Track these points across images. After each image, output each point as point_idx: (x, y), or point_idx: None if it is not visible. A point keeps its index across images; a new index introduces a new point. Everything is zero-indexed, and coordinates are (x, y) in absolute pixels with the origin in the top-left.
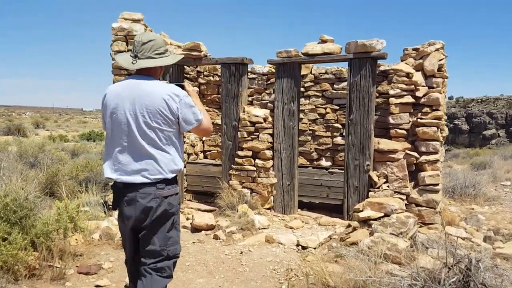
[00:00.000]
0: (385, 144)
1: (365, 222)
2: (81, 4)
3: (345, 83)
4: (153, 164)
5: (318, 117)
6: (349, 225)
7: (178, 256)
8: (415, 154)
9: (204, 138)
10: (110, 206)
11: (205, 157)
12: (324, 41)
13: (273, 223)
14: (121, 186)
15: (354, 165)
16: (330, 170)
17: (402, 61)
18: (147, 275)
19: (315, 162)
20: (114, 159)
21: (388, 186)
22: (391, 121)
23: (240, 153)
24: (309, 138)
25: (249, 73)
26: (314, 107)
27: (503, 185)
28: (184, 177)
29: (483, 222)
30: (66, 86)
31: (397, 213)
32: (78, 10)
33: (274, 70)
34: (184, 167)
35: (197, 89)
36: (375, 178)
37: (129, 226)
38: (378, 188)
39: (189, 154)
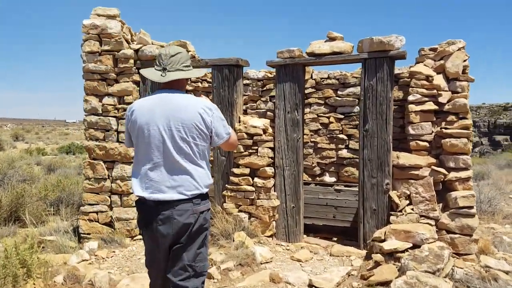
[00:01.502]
0: (406, 158)
1: (391, 255)
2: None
3: (350, 89)
4: (189, 180)
5: (320, 127)
6: (367, 257)
7: (206, 274)
8: (443, 170)
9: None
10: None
11: None
12: (332, 39)
13: (277, 255)
14: (152, 204)
15: (371, 184)
16: (336, 187)
17: (417, 62)
18: None
19: (317, 178)
20: (145, 176)
21: (412, 209)
22: (411, 131)
23: (235, 170)
24: (311, 151)
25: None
26: (316, 116)
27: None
28: None
29: (511, 245)
30: (47, 98)
31: (428, 243)
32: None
33: (270, 75)
34: None
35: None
36: (397, 200)
37: (165, 244)
38: (401, 211)
39: None
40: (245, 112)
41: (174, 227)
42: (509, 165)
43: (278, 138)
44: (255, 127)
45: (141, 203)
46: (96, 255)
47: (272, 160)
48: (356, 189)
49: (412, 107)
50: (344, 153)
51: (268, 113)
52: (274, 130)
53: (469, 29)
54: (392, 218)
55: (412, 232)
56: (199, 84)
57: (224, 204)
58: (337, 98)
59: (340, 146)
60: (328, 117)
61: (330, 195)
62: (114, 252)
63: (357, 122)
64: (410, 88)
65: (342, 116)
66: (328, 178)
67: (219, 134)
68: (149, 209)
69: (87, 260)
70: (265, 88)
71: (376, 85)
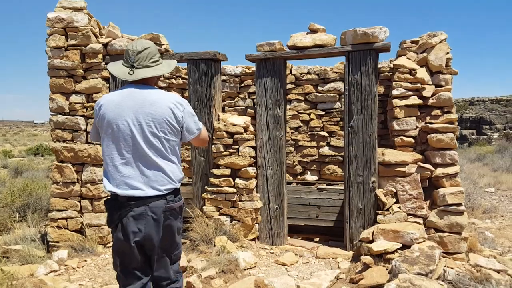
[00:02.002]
0: (391, 155)
1: (380, 257)
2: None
3: (331, 85)
4: (161, 175)
5: (301, 124)
6: (355, 258)
7: (180, 258)
8: (429, 166)
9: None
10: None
11: None
12: (314, 31)
13: (261, 259)
14: (124, 201)
15: (357, 182)
16: (318, 186)
17: (399, 56)
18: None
19: (299, 176)
20: (116, 172)
21: (399, 208)
22: (396, 127)
23: (215, 171)
24: (292, 149)
25: None
26: (296, 113)
27: (488, 192)
28: None
29: (495, 241)
30: (14, 99)
31: (418, 242)
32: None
33: (248, 71)
34: None
35: None
36: (383, 198)
37: (138, 242)
38: (388, 210)
39: None
40: (222, 110)
41: (147, 224)
42: (479, 158)
43: (260, 137)
44: (235, 125)
45: (112, 200)
46: (66, 265)
47: (254, 160)
48: (340, 187)
49: (396, 101)
50: (326, 150)
51: (249, 110)
52: (256, 128)
53: (429, 25)
54: (379, 217)
55: (401, 232)
56: (173, 80)
57: (203, 207)
58: (317, 94)
59: (321, 143)
60: (309, 114)
61: (313, 194)
62: (85, 261)
63: (339, 118)
64: (394, 82)
65: (323, 113)
66: (309, 177)
67: (190, 129)
68: (120, 206)
69: (56, 271)
70: (243, 84)
71: (361, 79)
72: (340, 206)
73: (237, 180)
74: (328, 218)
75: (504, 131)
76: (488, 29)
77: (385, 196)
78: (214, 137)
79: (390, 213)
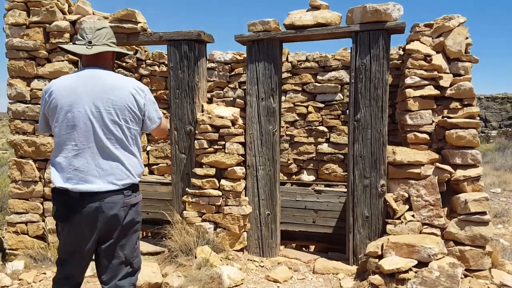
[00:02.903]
0: (404, 154)
1: (392, 276)
2: None
3: (332, 74)
4: (119, 168)
5: (297, 118)
6: (359, 275)
7: (139, 271)
8: (449, 168)
9: (148, 148)
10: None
11: (151, 172)
12: (315, 7)
13: (249, 274)
14: (77, 196)
15: (363, 185)
16: (316, 188)
17: (411, 41)
18: None
19: (294, 176)
20: (68, 165)
21: (413, 216)
22: (409, 121)
23: (198, 171)
24: (287, 145)
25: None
26: (292, 105)
27: (494, 192)
28: None
29: None
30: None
31: (437, 259)
32: None
33: (239, 58)
34: None
35: None
36: (394, 205)
37: (90, 241)
38: (399, 218)
39: None
40: (210, 101)
41: (102, 221)
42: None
43: (250, 131)
44: (221, 117)
45: (61, 194)
46: (20, 279)
47: (243, 158)
48: (340, 189)
49: (410, 91)
50: (325, 147)
51: (238, 100)
52: (245, 121)
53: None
54: (389, 227)
55: (416, 246)
56: (156, 68)
57: (184, 212)
58: (316, 84)
59: (319, 139)
60: (306, 107)
61: (310, 197)
62: (44, 274)
63: (340, 111)
64: (407, 70)
65: (323, 105)
66: (306, 177)
67: (152, 118)
68: (72, 201)
69: (7, 286)
70: (233, 73)
71: (370, 64)
72: (340, 210)
73: (223, 182)
74: (326, 223)
75: (501, 129)
76: (483, 26)
77: (395, 202)
78: (197, 131)
79: (402, 222)
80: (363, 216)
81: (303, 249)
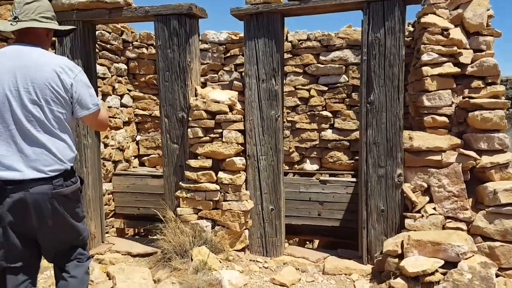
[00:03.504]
0: (421, 139)
1: (416, 279)
2: None
3: (336, 54)
4: (45, 153)
5: (299, 102)
6: (375, 276)
7: (87, 239)
8: (473, 154)
9: (139, 138)
10: None
11: (142, 164)
12: None
13: (252, 277)
14: (0, 185)
15: (378, 176)
16: (321, 178)
17: (424, 14)
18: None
19: (296, 165)
20: None
21: (434, 209)
22: (426, 102)
23: (193, 162)
24: (288, 132)
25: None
26: (293, 88)
27: None
28: (110, 195)
29: None
30: None
31: (466, 258)
32: None
33: (235, 37)
34: (110, 181)
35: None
36: (413, 196)
37: (19, 233)
38: (419, 211)
39: (115, 162)
40: (204, 85)
41: (29, 214)
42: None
43: (250, 117)
44: (217, 102)
45: None
46: None
47: (243, 148)
48: (347, 179)
49: (427, 70)
50: (329, 134)
51: (235, 83)
52: (245, 106)
53: None
54: (407, 221)
55: (443, 244)
56: (144, 50)
57: (178, 209)
58: (319, 65)
59: (323, 125)
60: (308, 90)
61: (314, 187)
62: None
63: (345, 95)
64: (422, 46)
65: (326, 88)
66: (308, 166)
67: (83, 103)
68: None
69: None
70: (229, 54)
71: (385, 39)
72: (348, 202)
73: (221, 174)
74: (332, 216)
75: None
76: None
77: (413, 193)
78: (190, 118)
79: (423, 216)
80: (378, 210)
81: (307, 243)
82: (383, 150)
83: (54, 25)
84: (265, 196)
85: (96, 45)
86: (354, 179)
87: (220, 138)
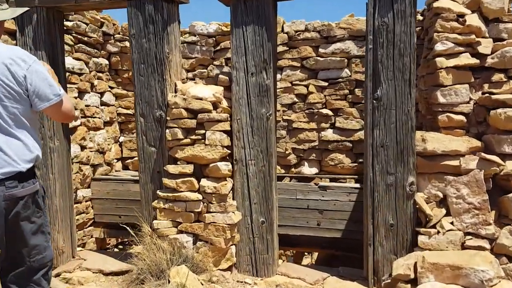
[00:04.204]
0: (436, 141)
1: None
2: None
3: (337, 45)
4: None
5: (296, 99)
6: None
7: (49, 265)
8: (497, 159)
9: (122, 139)
10: None
11: (125, 167)
12: None
13: None
14: None
15: (387, 184)
16: (320, 183)
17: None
18: None
19: (293, 169)
20: None
21: (452, 223)
22: (440, 99)
23: (171, 168)
24: (284, 132)
25: (186, 35)
26: (289, 84)
27: None
28: (88, 202)
29: None
30: None
31: (492, 285)
32: None
33: (225, 29)
34: (88, 186)
35: (48, 67)
36: (427, 209)
37: None
38: (434, 226)
39: (94, 166)
40: (192, 81)
41: None
42: None
43: (238, 116)
44: (200, 99)
45: None
46: None
47: (229, 151)
48: (349, 185)
49: (441, 61)
50: (329, 134)
51: (221, 77)
52: (231, 103)
53: None
54: (421, 238)
55: (464, 269)
56: (127, 43)
57: (154, 221)
58: (318, 58)
59: (323, 125)
60: (307, 86)
61: (313, 194)
62: None
63: (347, 91)
64: (435, 34)
65: (326, 84)
66: (307, 169)
67: (42, 94)
68: None
69: None
70: (219, 47)
71: (394, 24)
72: (351, 210)
73: (204, 182)
74: (333, 226)
75: None
76: None
77: (428, 204)
78: (168, 118)
79: (439, 232)
80: (386, 224)
81: (306, 254)
82: (392, 154)
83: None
84: (255, 206)
85: (71, 37)
86: (358, 185)
87: (203, 140)
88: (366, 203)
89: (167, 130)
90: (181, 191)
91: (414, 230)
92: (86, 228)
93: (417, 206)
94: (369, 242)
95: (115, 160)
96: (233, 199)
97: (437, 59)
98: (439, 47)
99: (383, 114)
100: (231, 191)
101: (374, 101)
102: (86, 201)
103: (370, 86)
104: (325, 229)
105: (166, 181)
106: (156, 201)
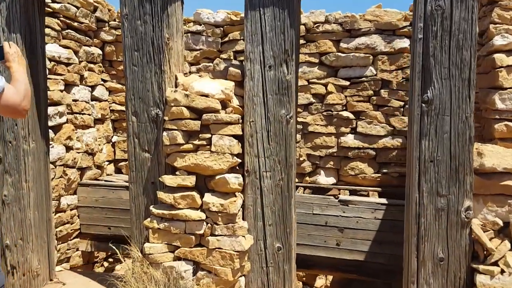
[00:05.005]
0: (495, 156)
1: None
2: None
3: (361, 40)
4: None
5: (312, 100)
6: None
7: None
8: None
9: (115, 139)
10: None
11: (118, 170)
12: None
13: None
14: None
15: (436, 208)
16: (341, 197)
17: None
18: None
19: (307, 178)
20: None
21: None
22: (498, 104)
23: (168, 179)
24: (298, 137)
25: (190, 24)
26: (306, 82)
27: None
28: (74, 210)
29: None
30: None
31: None
32: None
33: (235, 18)
34: (74, 192)
35: (15, 49)
36: (486, 241)
37: None
38: (496, 263)
39: (82, 169)
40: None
41: None
42: None
43: (251, 118)
44: (205, 95)
45: None
46: None
47: (240, 160)
48: (375, 199)
49: (501, 58)
50: (349, 140)
51: (232, 69)
52: (244, 102)
53: None
54: (480, 279)
55: None
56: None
57: (146, 245)
58: (339, 54)
59: (343, 129)
60: (325, 85)
61: (332, 209)
62: None
63: (371, 91)
64: (492, 26)
65: (347, 83)
66: (323, 179)
67: None
68: None
69: None
70: (227, 39)
71: (451, 8)
72: (377, 230)
73: (208, 197)
74: (355, 247)
75: None
76: None
77: (485, 232)
78: (166, 118)
79: (503, 271)
80: (434, 258)
81: (320, 277)
82: (445, 171)
83: None
84: (269, 229)
85: (58, 21)
86: (384, 200)
87: (208, 147)
88: (409, 231)
89: (165, 133)
90: (180, 208)
91: (470, 266)
92: (70, 240)
93: (474, 238)
94: (412, 279)
95: (106, 163)
96: (243, 219)
97: (495, 55)
98: (498, 41)
99: (434, 121)
100: (241, 210)
101: (423, 105)
102: (71, 210)
103: (418, 86)
104: (346, 250)
105: (161, 195)
106: (148, 219)
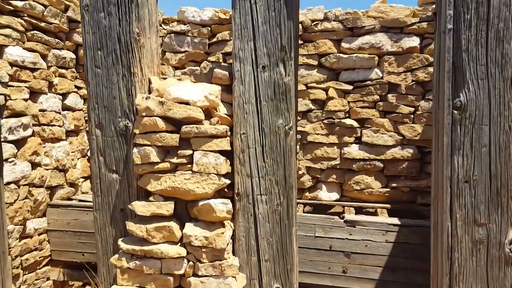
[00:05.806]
0: None
1: None
2: None
3: (365, 39)
4: None
5: (312, 106)
6: None
7: None
8: None
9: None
10: None
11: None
12: None
13: None
14: None
15: (473, 240)
16: (347, 217)
17: None
18: None
19: (307, 193)
20: None
21: None
22: None
23: (140, 207)
24: (296, 148)
25: (174, 23)
26: (304, 87)
27: None
28: (43, 235)
29: None
30: None
31: None
32: None
33: (223, 16)
34: (43, 215)
35: None
36: None
37: None
38: None
39: (52, 188)
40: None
41: None
42: None
43: (242, 130)
44: (185, 103)
45: None
46: None
47: (229, 181)
48: (386, 220)
49: None
50: (354, 151)
51: (217, 71)
52: (233, 110)
53: None
54: None
55: None
56: None
57: (114, 287)
58: (340, 55)
59: (346, 138)
60: (326, 89)
61: (338, 231)
62: None
63: (377, 96)
64: None
65: (350, 87)
66: (325, 194)
67: None
68: None
69: None
70: (215, 39)
71: None
72: (388, 255)
73: (189, 229)
74: (364, 275)
75: None
76: None
77: None
78: (137, 131)
79: None
80: None
81: None
82: (484, 194)
83: None
84: (266, 265)
85: (21, 21)
86: (396, 221)
87: (189, 166)
88: (438, 268)
89: (135, 149)
90: (154, 243)
91: None
92: (39, 269)
93: None
94: None
95: (81, 179)
96: (233, 254)
97: None
98: None
99: (469, 131)
100: (230, 242)
101: (455, 111)
102: (39, 235)
103: (448, 88)
104: (354, 278)
105: (131, 226)
106: (116, 255)
